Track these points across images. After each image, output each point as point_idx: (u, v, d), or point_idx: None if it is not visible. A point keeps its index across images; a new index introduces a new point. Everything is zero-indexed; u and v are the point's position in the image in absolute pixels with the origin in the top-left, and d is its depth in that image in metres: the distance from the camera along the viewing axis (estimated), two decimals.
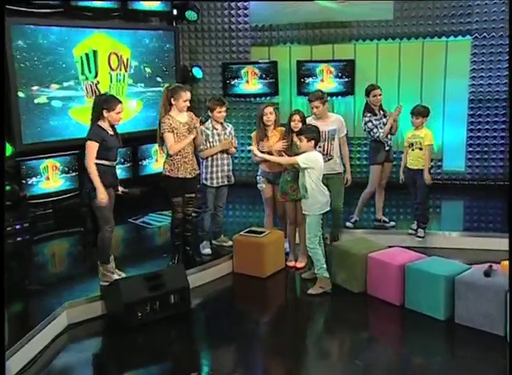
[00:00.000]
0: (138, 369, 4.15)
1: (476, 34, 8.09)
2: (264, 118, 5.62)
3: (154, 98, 8.02)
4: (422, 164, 5.85)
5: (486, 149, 8.34)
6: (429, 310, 4.55)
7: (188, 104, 5.24)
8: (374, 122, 6.20)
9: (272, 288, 5.46)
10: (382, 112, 6.37)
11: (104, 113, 4.72)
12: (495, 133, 8.27)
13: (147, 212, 7.27)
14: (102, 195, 4.65)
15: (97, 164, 4.68)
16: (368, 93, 6.35)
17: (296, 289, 5.50)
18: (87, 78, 7.34)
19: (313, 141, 5.00)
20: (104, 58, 7.50)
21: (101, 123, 4.76)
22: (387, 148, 6.32)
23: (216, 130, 5.67)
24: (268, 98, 8.86)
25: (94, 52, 7.36)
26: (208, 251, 5.73)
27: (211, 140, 5.63)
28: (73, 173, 7.20)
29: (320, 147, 5.42)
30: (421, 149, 5.85)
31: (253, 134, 5.82)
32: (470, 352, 4.12)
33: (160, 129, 5.16)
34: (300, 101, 8.76)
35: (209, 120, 5.70)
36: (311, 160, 4.98)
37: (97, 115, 4.77)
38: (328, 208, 5.14)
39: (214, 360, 4.28)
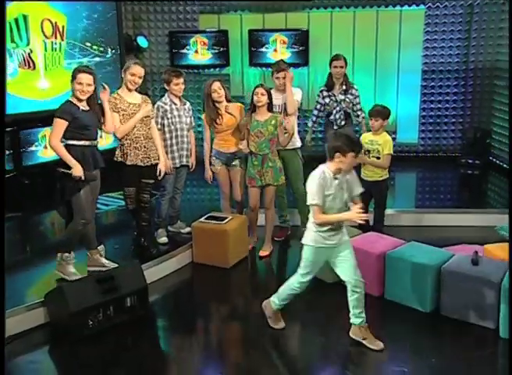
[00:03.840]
0: None
1: (429, 4, 7.54)
2: (214, 95, 4.69)
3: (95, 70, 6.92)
4: (380, 175, 4.82)
5: (439, 121, 7.90)
6: (412, 302, 3.91)
7: (136, 80, 4.35)
8: (320, 99, 5.55)
9: (237, 279, 4.67)
10: (343, 87, 5.53)
11: (71, 85, 3.95)
12: (447, 105, 7.84)
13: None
14: (77, 171, 3.87)
15: (73, 145, 3.92)
16: (330, 63, 5.58)
17: (262, 279, 4.76)
18: (17, 46, 6.14)
19: None
20: (37, 25, 6.28)
21: (72, 98, 3.98)
22: (335, 128, 5.50)
23: (175, 104, 4.74)
24: (218, 69, 7.93)
25: (25, 17, 6.14)
26: (164, 239, 4.87)
27: (169, 116, 4.69)
28: (7, 152, 6.07)
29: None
30: (378, 158, 4.77)
31: (203, 116, 4.85)
32: (459, 347, 3.53)
33: None
34: (252, 73, 7.91)
35: (166, 95, 4.76)
36: None
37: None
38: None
39: (177, 364, 3.53)
